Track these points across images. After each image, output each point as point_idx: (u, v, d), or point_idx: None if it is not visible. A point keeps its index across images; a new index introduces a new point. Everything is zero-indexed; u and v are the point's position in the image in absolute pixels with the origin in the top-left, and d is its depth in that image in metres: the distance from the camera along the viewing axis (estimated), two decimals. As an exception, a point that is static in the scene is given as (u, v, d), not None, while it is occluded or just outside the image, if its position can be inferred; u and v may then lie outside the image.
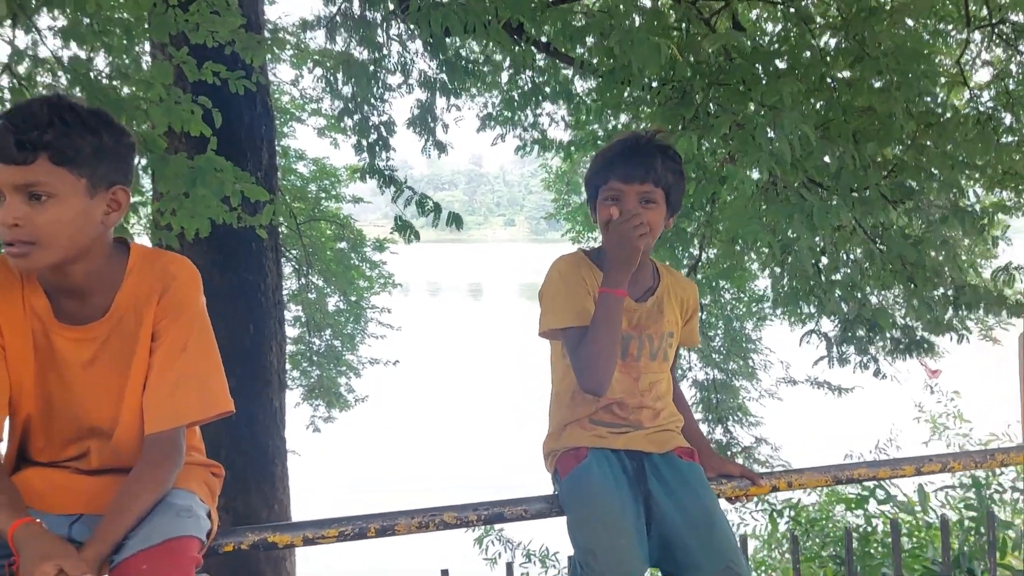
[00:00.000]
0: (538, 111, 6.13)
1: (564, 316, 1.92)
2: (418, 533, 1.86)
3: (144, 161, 3.63)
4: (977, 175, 5.52)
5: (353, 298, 11.20)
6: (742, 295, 9.47)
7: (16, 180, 1.45)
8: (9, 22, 3.25)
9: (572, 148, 6.23)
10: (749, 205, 3.98)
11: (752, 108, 4.22)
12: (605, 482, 1.84)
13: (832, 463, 2.07)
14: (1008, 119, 6.14)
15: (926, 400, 8.62)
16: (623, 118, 6.55)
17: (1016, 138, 5.66)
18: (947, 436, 8.12)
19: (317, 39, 9.79)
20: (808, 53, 4.34)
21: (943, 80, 5.72)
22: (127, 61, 4.07)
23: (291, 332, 10.19)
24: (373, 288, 11.62)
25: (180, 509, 1.54)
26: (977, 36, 6.82)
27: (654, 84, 4.70)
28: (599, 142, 6.25)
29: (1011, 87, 6.58)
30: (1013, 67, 7.01)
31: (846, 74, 4.69)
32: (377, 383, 11.81)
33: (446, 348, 26.51)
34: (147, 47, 6.40)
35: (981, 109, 5.64)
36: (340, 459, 14.76)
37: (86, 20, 3.61)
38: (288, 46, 7.77)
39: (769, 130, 3.50)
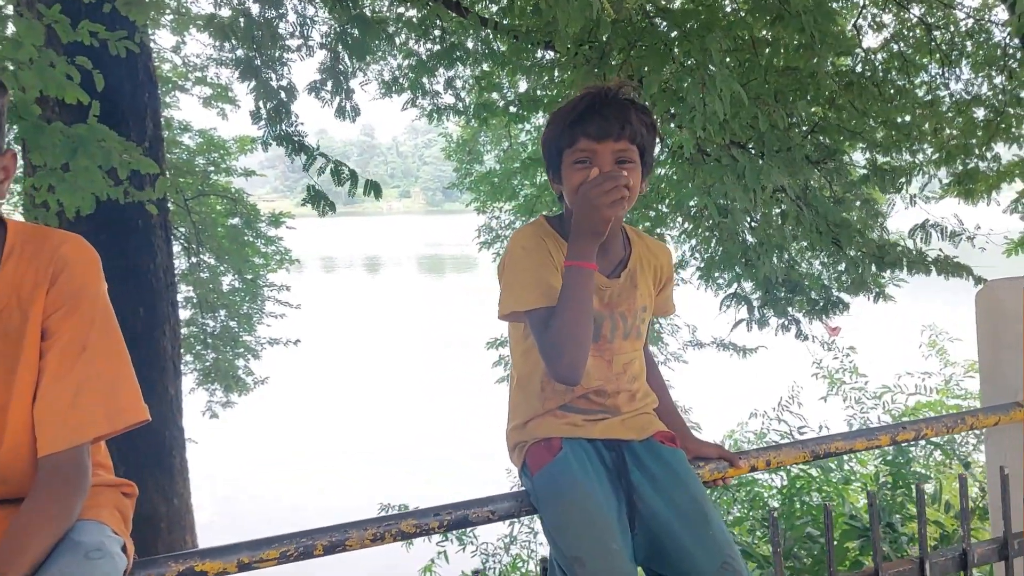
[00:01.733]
0: (451, 74, 5.84)
1: (528, 296, 1.69)
2: (373, 547, 1.64)
3: (15, 130, 3.18)
4: (879, 136, 5.63)
5: (249, 276, 10.67)
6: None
7: None
8: None
9: (481, 113, 5.99)
10: (681, 168, 3.86)
11: (673, 69, 4.10)
12: (585, 478, 1.65)
13: (808, 438, 1.95)
14: (900, 81, 6.31)
15: (824, 357, 8.92)
16: (524, 83, 6.37)
17: (905, 100, 5.81)
18: (843, 391, 8.43)
19: (199, 3, 9.15)
20: (729, 9, 4.24)
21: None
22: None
23: (183, 314, 9.62)
24: (269, 265, 11.10)
25: (89, 548, 1.24)
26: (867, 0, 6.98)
27: (568, 46, 4.52)
28: (512, 108, 6.04)
29: (903, 50, 6.77)
30: (905, 31, 7.21)
31: (763, 33, 4.63)
32: (277, 364, 11.34)
33: (346, 325, 25.90)
34: (9, 8, 5.78)
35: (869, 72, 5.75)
36: (241, 445, 14.19)
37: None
38: (168, 10, 7.18)
39: (700, 89, 3.37)
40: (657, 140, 1.77)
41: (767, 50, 4.42)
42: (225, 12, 4.58)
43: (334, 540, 1.59)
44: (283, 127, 4.27)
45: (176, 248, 9.51)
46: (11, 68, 3.17)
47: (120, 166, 3.19)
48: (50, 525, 1.24)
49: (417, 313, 28.06)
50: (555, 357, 1.63)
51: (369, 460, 14.17)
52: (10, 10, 5.55)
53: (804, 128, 4.20)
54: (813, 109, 4.32)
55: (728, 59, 4.27)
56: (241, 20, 3.86)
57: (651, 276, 1.87)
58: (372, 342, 23.81)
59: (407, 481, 11.96)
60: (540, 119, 8.00)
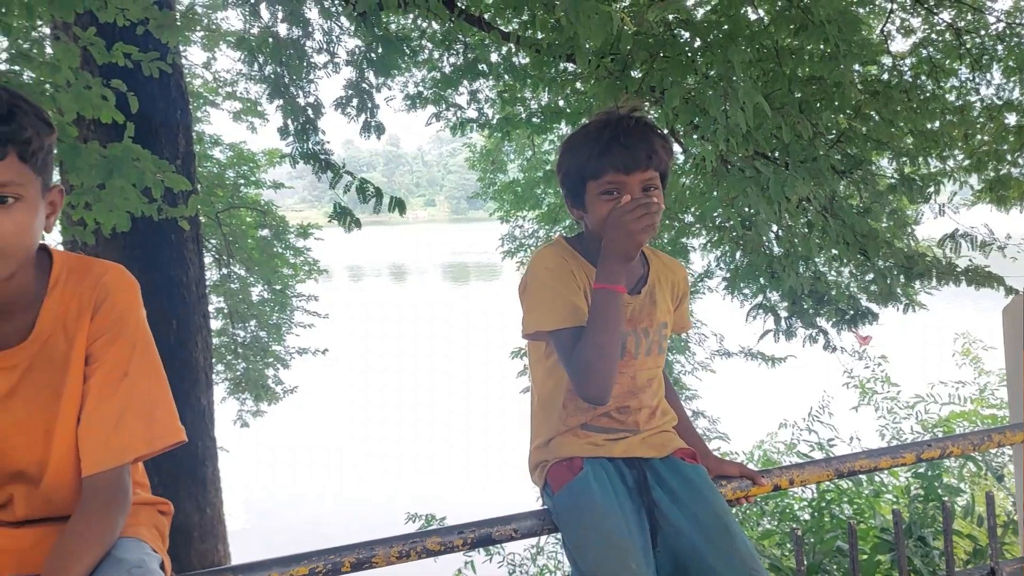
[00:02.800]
0: (474, 87, 5.89)
1: (554, 316, 1.70)
2: (399, 563, 1.67)
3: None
4: (909, 143, 5.57)
5: (278, 287, 10.81)
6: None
7: None
8: None
9: (505, 127, 6.04)
10: (705, 180, 3.87)
11: (696, 80, 4.11)
12: (606, 498, 1.67)
13: (832, 456, 1.96)
14: (929, 87, 6.25)
15: (856, 366, 8.81)
16: (546, 94, 6.39)
17: (935, 106, 5.74)
18: (875, 401, 8.32)
19: (228, 19, 9.32)
20: (753, 18, 4.23)
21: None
22: (27, 44, 3.68)
23: (213, 324, 9.76)
24: (298, 276, 11.24)
25: (131, 565, 1.29)
26: (896, 5, 6.92)
27: (590, 59, 4.55)
28: (535, 119, 6.08)
29: (932, 55, 6.70)
30: (934, 35, 7.14)
31: (787, 43, 4.62)
32: (306, 373, 11.46)
33: (373, 333, 26.06)
34: (45, 29, 5.92)
35: (902, 78, 5.70)
36: (272, 453, 14.34)
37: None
38: (199, 27, 7.32)
39: (723, 102, 3.38)
40: (676, 155, 1.80)
41: (791, 60, 4.41)
42: (254, 31, 4.67)
43: (361, 557, 1.63)
44: (310, 145, 4.35)
45: (207, 260, 9.66)
46: (49, 91, 3.26)
47: (154, 185, 3.27)
48: (95, 542, 1.29)
49: (443, 321, 28.16)
50: (585, 377, 1.64)
51: (396, 468, 14.24)
52: (45, 30, 5.69)
53: (830, 138, 4.19)
54: (838, 118, 4.31)
55: (751, 69, 4.27)
56: (270, 39, 3.94)
57: (668, 292, 1.89)
58: (399, 350, 23.91)
59: (434, 489, 12.01)
60: (563, 130, 8.03)
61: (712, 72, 4.07)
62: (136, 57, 3.91)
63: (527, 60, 5.50)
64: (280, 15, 4.14)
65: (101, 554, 1.29)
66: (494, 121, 6.19)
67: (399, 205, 4.29)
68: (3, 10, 3.20)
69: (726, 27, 4.61)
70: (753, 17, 4.99)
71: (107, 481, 1.35)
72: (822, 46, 4.05)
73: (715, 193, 3.89)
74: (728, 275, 5.78)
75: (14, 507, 1.39)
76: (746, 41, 4.44)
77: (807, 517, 6.27)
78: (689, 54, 4.48)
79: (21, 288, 1.35)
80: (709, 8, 4.76)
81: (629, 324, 1.80)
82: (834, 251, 4.66)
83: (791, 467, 1.92)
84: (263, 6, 4.29)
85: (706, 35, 4.40)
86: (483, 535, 1.71)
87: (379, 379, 20.47)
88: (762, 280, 5.11)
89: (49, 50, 3.93)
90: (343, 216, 4.25)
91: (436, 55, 5.75)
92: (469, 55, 5.23)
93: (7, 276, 1.28)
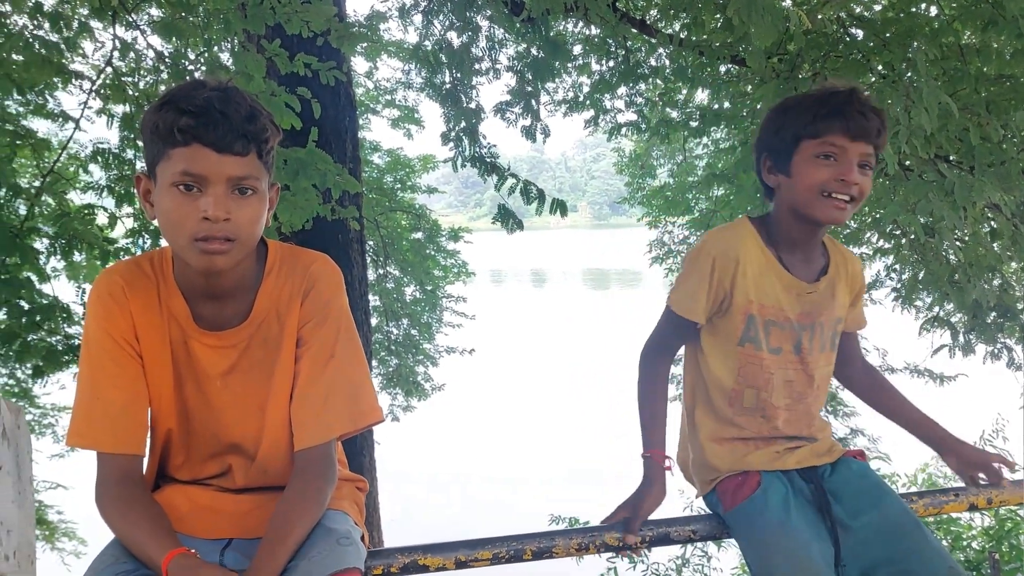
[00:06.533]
0: (634, 90, 5.88)
1: (675, 295, 1.76)
2: (577, 555, 1.70)
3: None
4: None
5: (429, 287, 11.18)
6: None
7: (233, 172, 1.33)
8: (110, 16, 3.18)
9: (663, 129, 5.98)
10: (881, 185, 3.69)
11: (874, 80, 3.93)
12: (786, 516, 1.62)
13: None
14: None
15: (1037, 387, 8.12)
16: (705, 97, 6.27)
17: None
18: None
19: (390, 31, 9.74)
20: (934, 12, 4.00)
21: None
22: (225, 56, 4.00)
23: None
24: (448, 277, 11.60)
25: (340, 536, 1.40)
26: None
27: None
28: (692, 123, 5.99)
29: None
30: None
31: (972, 40, 4.34)
32: (453, 372, 11.78)
33: (515, 335, 26.43)
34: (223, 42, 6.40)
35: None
36: (421, 448, 14.81)
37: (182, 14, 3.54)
38: (373, 39, 7.70)
39: (904, 103, 3.21)
40: None
41: (977, 57, 4.14)
42: (426, 43, 4.86)
43: (542, 546, 1.67)
44: (475, 148, 4.48)
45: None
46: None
47: (334, 187, 3.47)
48: (309, 511, 1.39)
49: (583, 326, 28.18)
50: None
51: (535, 468, 14.37)
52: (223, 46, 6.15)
53: (1021, 139, 3.89)
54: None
55: (931, 68, 4.04)
56: (442, 54, 4.09)
57: (846, 286, 1.82)
58: (540, 353, 24.13)
59: (573, 492, 12.03)
60: (718, 134, 7.85)
61: (888, 72, 3.88)
62: (315, 67, 4.17)
63: (687, 63, 5.44)
64: (450, 23, 4.30)
65: (314, 522, 1.39)
66: (651, 124, 6.15)
67: (560, 207, 4.35)
68: (206, 24, 3.49)
69: (904, 25, 4.40)
70: (933, 12, 4.73)
71: (317, 455, 1.46)
72: (1012, 43, 3.78)
73: (893, 198, 3.69)
74: (900, 285, 5.46)
75: (233, 476, 1.52)
76: (926, 38, 4.21)
77: (976, 546, 5.83)
78: (862, 53, 4.29)
79: (244, 274, 1.47)
80: (885, 4, 4.54)
81: (807, 317, 1.74)
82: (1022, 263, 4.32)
83: (988, 486, 1.81)
84: (439, 15, 4.47)
85: (883, 33, 4.20)
86: (661, 534, 1.72)
87: (521, 380, 20.75)
88: (940, 291, 4.79)
89: (225, 59, 4.22)
90: (506, 218, 4.35)
91: (593, 59, 5.78)
92: (631, 59, 5.23)
93: (238, 261, 1.40)
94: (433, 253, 11.12)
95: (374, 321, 10.66)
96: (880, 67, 3.99)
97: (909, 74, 3.75)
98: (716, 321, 1.76)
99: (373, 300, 10.60)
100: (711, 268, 1.71)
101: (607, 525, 1.71)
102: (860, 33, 4.45)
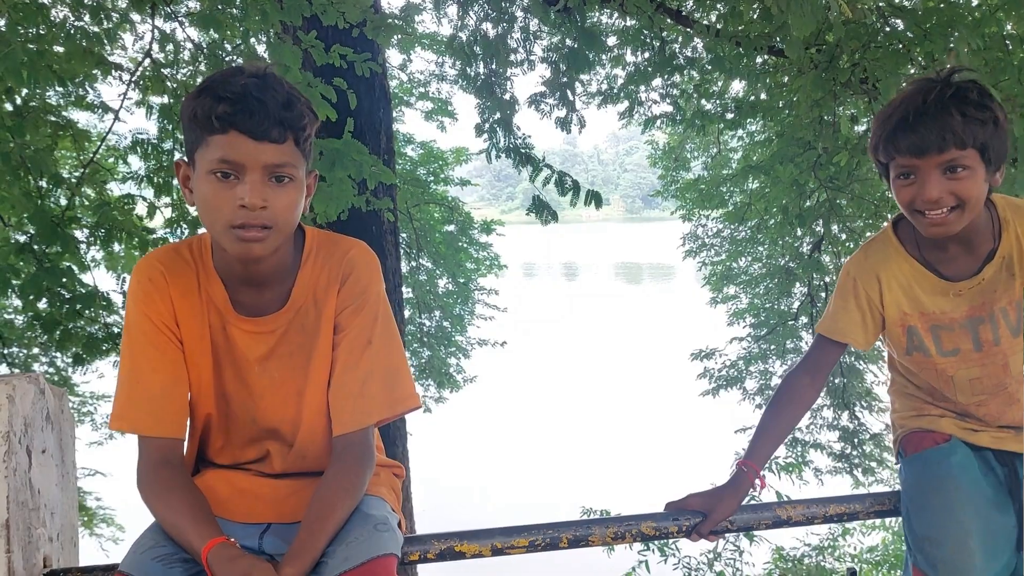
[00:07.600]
0: (670, 81, 5.82)
1: (824, 321, 1.78)
2: (612, 544, 1.70)
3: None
4: None
5: (461, 280, 11.21)
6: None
7: (270, 159, 1.33)
8: (149, 8, 3.23)
9: (700, 121, 5.92)
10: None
11: (915, 71, 3.86)
12: (965, 474, 1.58)
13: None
14: None
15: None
16: (741, 89, 6.19)
17: None
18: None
19: (424, 23, 9.76)
20: (976, 2, 3.92)
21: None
22: (262, 47, 4.04)
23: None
24: (480, 270, 11.62)
25: (377, 521, 1.40)
26: None
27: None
28: (728, 115, 5.94)
29: None
30: None
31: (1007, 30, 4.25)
32: (485, 364, 11.81)
33: (546, 329, 26.44)
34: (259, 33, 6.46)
35: None
36: (453, 440, 14.89)
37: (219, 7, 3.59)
38: (409, 31, 7.73)
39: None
40: (1007, 118, 1.58)
41: (1021, 48, 4.05)
42: (462, 33, 4.87)
43: (578, 535, 1.67)
44: (510, 139, 4.48)
45: (398, 252, 10.19)
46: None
47: (369, 178, 3.49)
48: (347, 496, 1.40)
49: (615, 319, 28.11)
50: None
51: (567, 460, 14.38)
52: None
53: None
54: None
55: (973, 60, 3.96)
56: (477, 45, 4.08)
57: None
58: (572, 347, 24.12)
59: (602, 484, 12.03)
60: (753, 126, 7.76)
61: (929, 63, 3.81)
62: (351, 58, 4.19)
63: (724, 53, 5.38)
64: (486, 13, 4.29)
65: (352, 507, 1.40)
66: (687, 116, 6.09)
67: (595, 198, 4.34)
68: (244, 15, 3.52)
69: (945, 15, 4.32)
70: (975, 2, 4.64)
71: (355, 441, 1.46)
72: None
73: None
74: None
75: (272, 461, 1.53)
76: (968, 29, 4.12)
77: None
78: (903, 44, 4.22)
79: (282, 260, 1.47)
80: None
81: (981, 310, 1.65)
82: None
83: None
84: (474, 6, 4.46)
85: (924, 23, 4.12)
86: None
87: (552, 373, 20.76)
88: None
89: (262, 51, 4.25)
90: (541, 209, 4.34)
91: (628, 50, 5.73)
92: (666, 50, 5.18)
93: (275, 248, 1.41)
94: (465, 245, 11.14)
95: (407, 313, 10.72)
96: (921, 58, 3.92)
97: (950, 65, 3.67)
98: (885, 336, 1.78)
99: (406, 292, 10.65)
100: (853, 289, 1.72)
101: (643, 515, 1.70)
102: (900, 23, 4.37)
